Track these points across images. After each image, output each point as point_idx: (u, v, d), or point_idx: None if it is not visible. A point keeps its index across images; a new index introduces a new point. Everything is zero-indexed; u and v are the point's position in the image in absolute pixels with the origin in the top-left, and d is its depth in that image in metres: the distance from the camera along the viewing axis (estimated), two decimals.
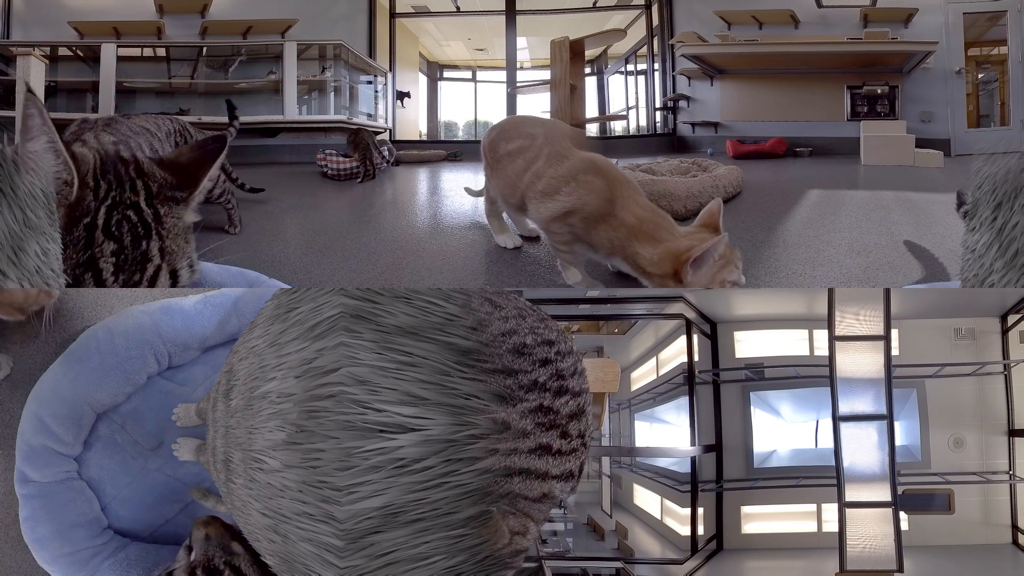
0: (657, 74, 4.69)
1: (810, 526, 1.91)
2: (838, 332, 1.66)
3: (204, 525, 0.91)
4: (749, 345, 1.94)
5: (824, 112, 4.46)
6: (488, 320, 0.54)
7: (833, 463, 1.67)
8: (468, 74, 4.95)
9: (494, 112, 4.75)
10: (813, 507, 1.91)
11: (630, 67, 4.87)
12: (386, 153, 3.63)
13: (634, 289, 1.48)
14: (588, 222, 1.53)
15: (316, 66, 4.17)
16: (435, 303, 0.53)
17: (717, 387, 1.92)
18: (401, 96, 4.59)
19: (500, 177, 1.80)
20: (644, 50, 4.71)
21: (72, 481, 1.22)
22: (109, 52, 3.89)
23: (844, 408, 1.66)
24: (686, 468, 1.85)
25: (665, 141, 4.68)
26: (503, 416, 0.52)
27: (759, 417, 1.93)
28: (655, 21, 4.60)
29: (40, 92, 2.94)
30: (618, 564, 1.79)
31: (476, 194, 2.46)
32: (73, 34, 3.97)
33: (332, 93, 4.20)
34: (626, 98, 4.89)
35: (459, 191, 3.16)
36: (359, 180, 3.29)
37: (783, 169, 3.89)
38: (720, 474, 1.90)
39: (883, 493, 1.63)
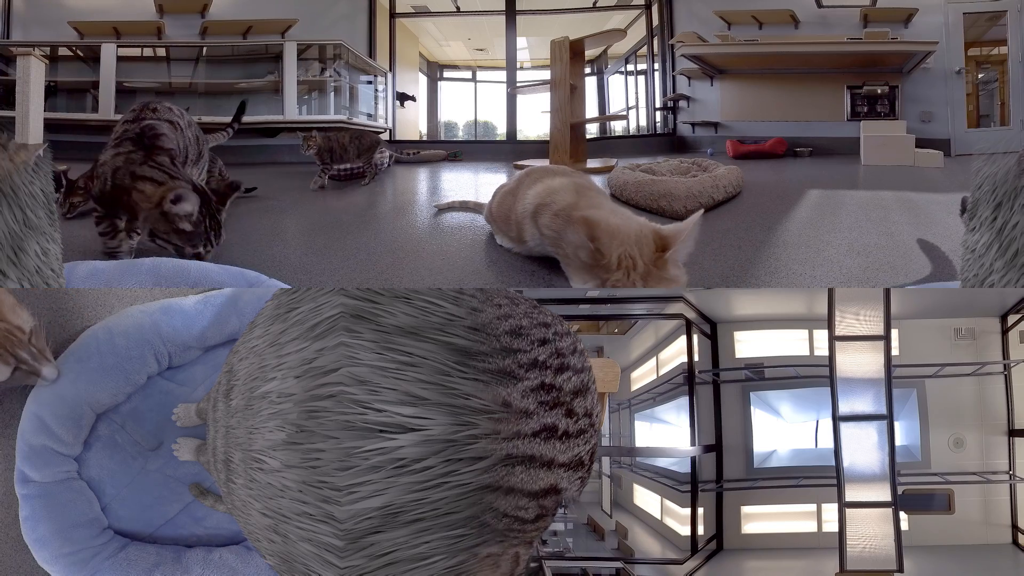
0: (657, 74, 4.68)
1: (810, 526, 1.91)
2: (838, 332, 1.65)
3: None
4: (749, 345, 1.94)
5: (824, 112, 4.45)
6: (481, 307, 0.54)
7: (833, 463, 1.66)
8: (468, 74, 4.94)
9: (494, 112, 4.75)
10: (813, 507, 1.91)
11: (630, 67, 4.86)
12: (388, 157, 3.62)
13: (634, 289, 1.48)
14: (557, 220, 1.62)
15: (316, 66, 4.17)
16: (435, 303, 0.53)
17: (717, 387, 1.92)
18: (403, 98, 4.58)
19: (500, 222, 1.93)
20: (644, 50, 4.70)
21: (72, 481, 1.22)
22: (109, 52, 3.89)
23: (844, 408, 1.65)
24: (686, 468, 1.85)
25: (665, 141, 4.67)
26: (504, 396, 0.51)
27: (759, 417, 1.93)
28: (655, 21, 4.59)
29: (40, 92, 2.93)
30: (618, 564, 1.79)
31: (445, 207, 2.58)
32: (73, 34, 3.97)
33: (332, 93, 4.20)
34: (626, 98, 4.88)
35: (460, 191, 3.15)
36: (364, 182, 3.28)
37: (783, 169, 3.89)
38: (720, 474, 1.90)
39: (883, 493, 1.63)
